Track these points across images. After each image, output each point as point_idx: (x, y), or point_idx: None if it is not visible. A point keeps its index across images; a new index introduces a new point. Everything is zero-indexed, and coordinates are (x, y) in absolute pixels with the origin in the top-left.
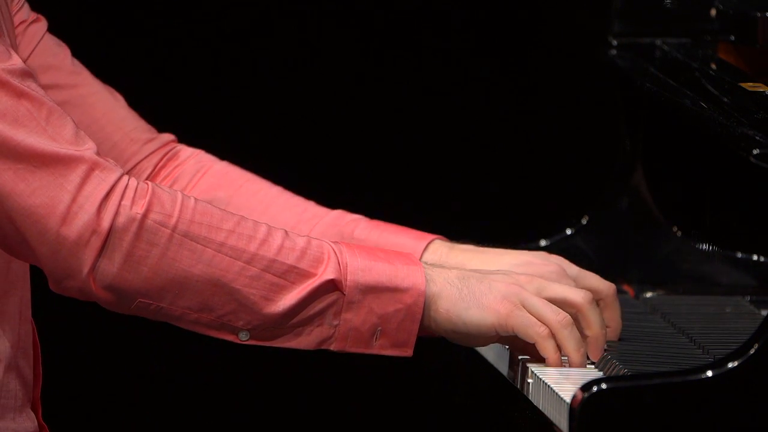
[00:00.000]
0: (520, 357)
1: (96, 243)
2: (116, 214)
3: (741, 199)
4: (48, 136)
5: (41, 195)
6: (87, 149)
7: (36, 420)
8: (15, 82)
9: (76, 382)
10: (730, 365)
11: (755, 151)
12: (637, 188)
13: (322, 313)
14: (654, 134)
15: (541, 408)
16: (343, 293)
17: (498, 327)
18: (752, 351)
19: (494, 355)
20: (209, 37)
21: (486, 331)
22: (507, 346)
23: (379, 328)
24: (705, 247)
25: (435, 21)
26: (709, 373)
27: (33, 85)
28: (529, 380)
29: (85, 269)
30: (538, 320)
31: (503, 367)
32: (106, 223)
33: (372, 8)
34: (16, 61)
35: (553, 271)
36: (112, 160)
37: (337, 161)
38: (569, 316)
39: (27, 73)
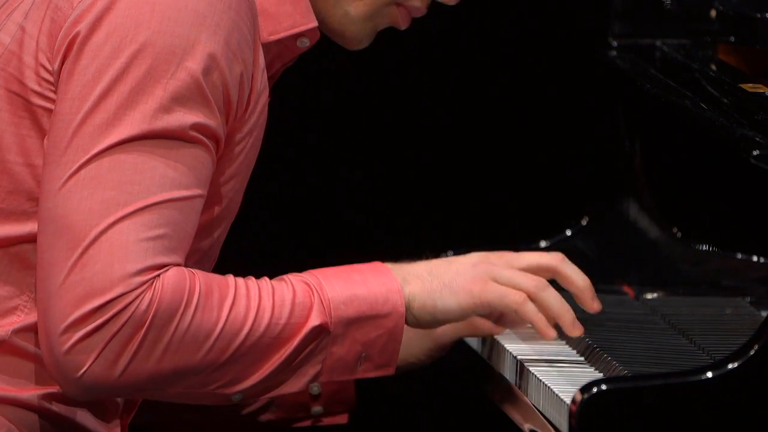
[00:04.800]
0: (519, 357)
1: (98, 345)
2: (125, 323)
3: (741, 200)
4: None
5: (80, 288)
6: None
7: None
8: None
9: None
10: (729, 366)
11: (755, 152)
12: (637, 189)
13: (309, 355)
14: (654, 135)
15: (541, 409)
16: (329, 331)
17: (474, 307)
18: (752, 352)
19: (494, 356)
20: None
21: (464, 314)
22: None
23: (363, 354)
24: (705, 248)
25: (434, 21)
26: (709, 374)
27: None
28: (530, 381)
29: (83, 369)
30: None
31: (503, 367)
32: (114, 327)
33: None
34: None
35: (499, 258)
36: (168, 280)
37: (337, 162)
38: (544, 280)
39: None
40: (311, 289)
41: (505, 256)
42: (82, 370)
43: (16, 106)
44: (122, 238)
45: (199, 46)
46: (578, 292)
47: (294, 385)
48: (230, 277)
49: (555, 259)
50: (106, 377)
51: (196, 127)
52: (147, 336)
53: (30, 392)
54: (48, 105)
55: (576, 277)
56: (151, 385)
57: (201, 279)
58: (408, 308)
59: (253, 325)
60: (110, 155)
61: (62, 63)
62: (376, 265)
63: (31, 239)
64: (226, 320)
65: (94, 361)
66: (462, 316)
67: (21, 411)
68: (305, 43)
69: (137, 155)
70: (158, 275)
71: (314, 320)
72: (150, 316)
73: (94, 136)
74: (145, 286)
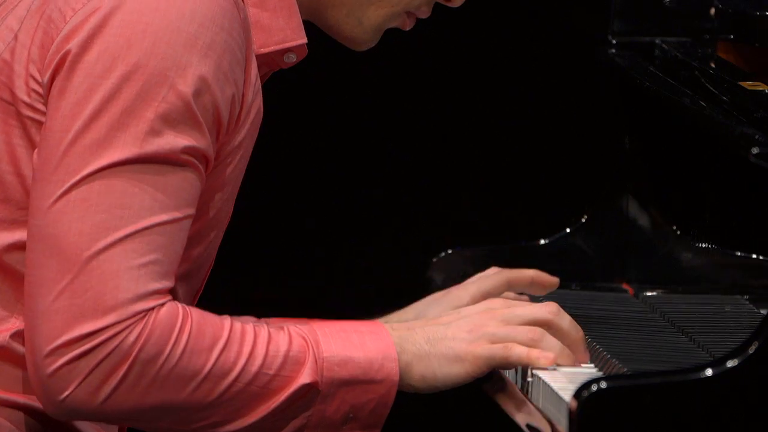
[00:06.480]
0: None
1: (83, 372)
2: (111, 352)
3: (740, 198)
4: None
5: (68, 315)
6: (145, 305)
7: None
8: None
9: None
10: (729, 364)
11: (754, 150)
12: (637, 187)
13: (297, 409)
14: (653, 133)
15: (540, 407)
16: (318, 390)
17: (474, 373)
18: (751, 350)
19: None
20: None
21: (465, 381)
22: None
23: (351, 415)
24: (704, 246)
25: (434, 20)
26: (709, 372)
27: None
28: (529, 379)
29: (65, 393)
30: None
31: None
32: (100, 355)
33: None
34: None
35: (491, 317)
36: (153, 310)
37: (337, 161)
38: (539, 329)
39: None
40: (307, 345)
41: (497, 314)
42: (65, 394)
43: (7, 114)
44: (114, 266)
45: (191, 69)
46: (572, 344)
47: None
48: (227, 319)
49: (550, 313)
50: (88, 404)
51: (186, 150)
52: (131, 369)
53: (30, 397)
54: (36, 116)
55: (571, 331)
56: (133, 417)
57: (194, 318)
58: (404, 377)
59: (242, 370)
60: (101, 178)
61: (52, 77)
62: (376, 328)
63: (21, 247)
64: (215, 362)
65: (77, 387)
66: (464, 382)
67: (21, 414)
68: (292, 59)
69: (127, 179)
70: (152, 308)
71: (305, 378)
72: (136, 350)
73: (85, 157)
74: (136, 318)
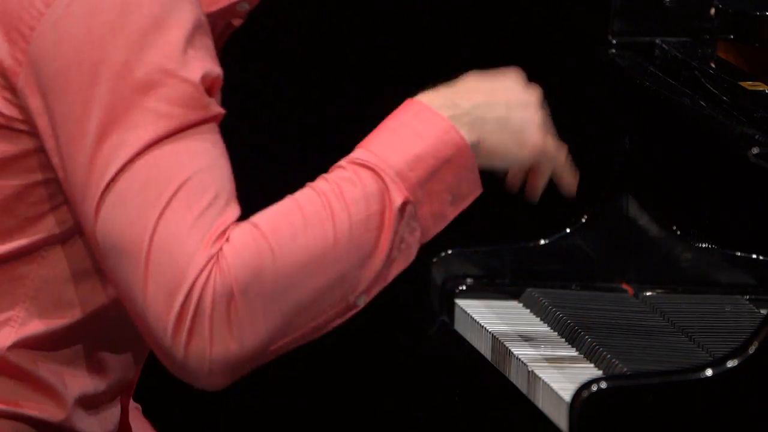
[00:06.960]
0: (519, 355)
1: (206, 331)
2: (213, 296)
3: (740, 198)
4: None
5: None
6: (210, 249)
7: None
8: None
9: None
10: (729, 364)
11: (754, 150)
12: (637, 187)
13: (405, 228)
14: (653, 133)
15: (540, 406)
16: (413, 201)
17: (533, 157)
18: (751, 350)
19: (494, 354)
20: None
21: (524, 165)
22: None
23: (450, 198)
24: (704, 246)
25: (434, 19)
26: (709, 372)
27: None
28: (529, 379)
29: (208, 360)
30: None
31: (503, 366)
32: (206, 307)
33: (368, 8)
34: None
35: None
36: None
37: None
38: None
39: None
40: (373, 169)
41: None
42: (209, 358)
43: None
44: (171, 229)
45: (177, 20)
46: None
47: (407, 260)
48: (288, 199)
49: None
50: (235, 351)
51: (199, 119)
52: (244, 297)
53: (30, 408)
54: (19, 126)
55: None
56: (278, 337)
57: (261, 222)
58: (475, 148)
59: (335, 233)
60: (122, 173)
61: (32, 92)
62: (418, 109)
63: (15, 254)
64: (307, 242)
65: (212, 344)
66: (522, 166)
67: (21, 425)
68: (245, 7)
69: (146, 161)
70: (220, 246)
71: (396, 201)
72: (233, 281)
73: (107, 165)
74: (212, 261)
